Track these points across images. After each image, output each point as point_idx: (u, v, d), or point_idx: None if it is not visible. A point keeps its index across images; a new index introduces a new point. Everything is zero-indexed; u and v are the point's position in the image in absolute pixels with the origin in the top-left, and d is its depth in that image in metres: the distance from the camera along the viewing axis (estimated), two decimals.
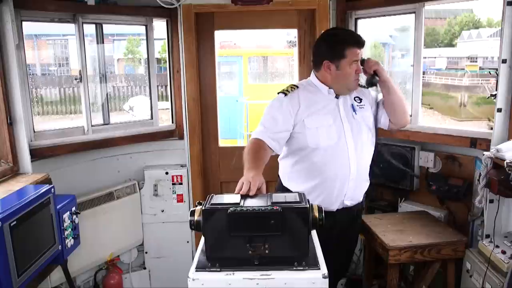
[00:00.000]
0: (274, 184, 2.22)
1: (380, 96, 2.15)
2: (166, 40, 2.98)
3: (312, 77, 2.07)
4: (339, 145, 1.96)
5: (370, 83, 2.06)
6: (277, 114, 1.94)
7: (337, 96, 2.02)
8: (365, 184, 2.12)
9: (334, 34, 2.11)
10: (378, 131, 2.15)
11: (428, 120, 2.73)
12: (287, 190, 2.05)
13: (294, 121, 1.95)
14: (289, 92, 2.00)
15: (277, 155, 2.08)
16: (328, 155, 1.96)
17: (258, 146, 1.86)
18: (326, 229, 2.00)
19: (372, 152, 2.11)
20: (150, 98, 3.03)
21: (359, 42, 1.96)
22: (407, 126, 2.74)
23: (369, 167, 2.11)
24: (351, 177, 1.99)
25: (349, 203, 2.06)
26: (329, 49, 1.97)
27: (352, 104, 2.05)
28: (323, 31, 2.25)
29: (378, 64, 2.04)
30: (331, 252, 2.05)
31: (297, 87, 2.04)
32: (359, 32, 2.97)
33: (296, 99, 1.97)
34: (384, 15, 2.86)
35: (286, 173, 2.11)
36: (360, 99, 2.09)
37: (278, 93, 2.03)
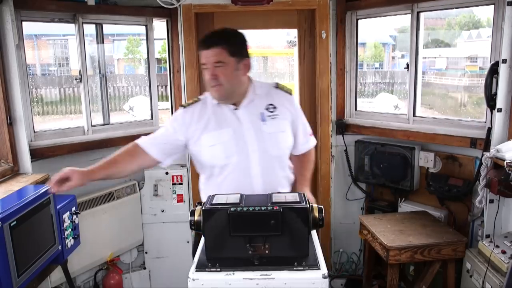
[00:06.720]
0: None
1: (296, 117, 1.93)
2: (166, 40, 2.98)
3: None
4: (240, 161, 1.79)
5: None
6: (169, 126, 1.88)
7: (236, 108, 1.83)
8: None
9: None
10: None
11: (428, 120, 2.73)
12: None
13: (185, 137, 1.84)
14: (187, 106, 1.89)
15: None
16: (228, 173, 1.81)
17: (126, 149, 1.83)
18: None
19: (287, 163, 1.93)
20: (150, 98, 3.02)
21: (202, 44, 1.76)
22: (407, 126, 2.76)
23: (285, 179, 1.92)
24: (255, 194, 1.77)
25: None
26: None
27: (262, 113, 1.84)
28: None
29: None
30: None
31: (199, 100, 1.90)
32: (360, 32, 2.98)
33: (189, 115, 1.85)
34: (384, 15, 2.86)
35: (201, 187, 2.00)
36: (275, 107, 1.87)
37: (181, 104, 1.95)
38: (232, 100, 1.83)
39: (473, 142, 2.41)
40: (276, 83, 1.94)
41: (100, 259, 2.76)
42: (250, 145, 1.80)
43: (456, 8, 2.57)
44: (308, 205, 1.32)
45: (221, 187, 1.79)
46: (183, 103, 1.97)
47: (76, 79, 2.66)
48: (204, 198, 1.92)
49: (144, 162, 1.86)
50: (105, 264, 2.84)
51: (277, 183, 1.87)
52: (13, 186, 1.98)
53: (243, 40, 1.82)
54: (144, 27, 2.91)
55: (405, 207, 2.79)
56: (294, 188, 1.95)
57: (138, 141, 1.86)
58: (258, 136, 1.81)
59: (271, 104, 1.86)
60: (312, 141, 2.05)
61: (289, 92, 1.94)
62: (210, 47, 1.72)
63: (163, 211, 3.01)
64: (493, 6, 2.28)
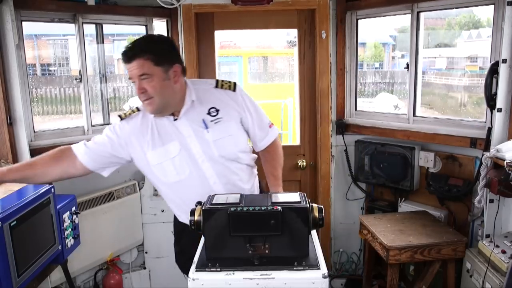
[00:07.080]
0: None
1: (249, 118, 1.80)
2: None
3: None
4: (193, 173, 1.70)
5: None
6: (112, 137, 1.76)
7: (176, 118, 1.71)
8: None
9: None
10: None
11: (429, 120, 2.73)
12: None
13: (126, 153, 1.75)
14: (126, 117, 1.76)
15: None
16: (183, 186, 1.71)
17: (52, 152, 1.75)
18: None
19: (248, 161, 1.82)
20: None
21: (123, 57, 1.62)
22: (407, 126, 2.76)
23: (245, 172, 1.82)
24: None
25: None
26: None
27: (203, 120, 1.71)
28: None
29: None
30: None
31: (138, 110, 1.76)
32: (360, 32, 2.98)
33: (129, 128, 1.73)
34: (384, 15, 2.86)
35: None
36: (217, 110, 1.73)
37: (118, 115, 1.81)
38: (169, 111, 1.70)
39: (473, 142, 2.41)
40: (216, 80, 1.80)
41: (100, 259, 2.76)
42: (198, 156, 1.69)
43: (456, 8, 2.57)
44: (308, 205, 1.32)
45: (180, 200, 1.74)
46: (121, 114, 1.78)
47: (76, 79, 2.66)
48: (173, 209, 1.89)
49: (72, 169, 1.75)
50: (105, 264, 2.84)
51: (238, 181, 1.79)
52: (13, 186, 1.97)
53: (169, 46, 1.70)
54: (144, 27, 2.91)
55: (405, 207, 2.80)
56: (267, 190, 1.89)
57: (72, 146, 1.77)
58: (203, 145, 1.69)
59: (213, 107, 1.73)
60: (273, 133, 1.90)
61: (231, 88, 1.78)
62: (132, 60, 1.58)
63: (163, 211, 3.01)
64: (493, 6, 2.29)
